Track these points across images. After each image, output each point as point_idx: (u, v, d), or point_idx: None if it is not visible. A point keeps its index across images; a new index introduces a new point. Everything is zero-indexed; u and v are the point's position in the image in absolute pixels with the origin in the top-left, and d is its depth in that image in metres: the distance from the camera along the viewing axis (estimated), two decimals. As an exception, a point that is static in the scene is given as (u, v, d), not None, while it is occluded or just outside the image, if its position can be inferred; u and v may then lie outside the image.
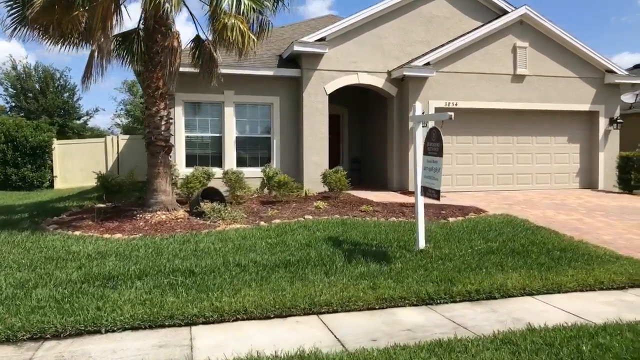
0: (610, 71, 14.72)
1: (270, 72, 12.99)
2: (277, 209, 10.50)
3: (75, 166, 20.44)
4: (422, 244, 7.35)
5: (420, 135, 7.43)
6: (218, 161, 13.03)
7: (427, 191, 7.07)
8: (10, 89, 35.98)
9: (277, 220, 9.32)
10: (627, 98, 24.65)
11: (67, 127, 36.17)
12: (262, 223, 9.14)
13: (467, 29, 13.90)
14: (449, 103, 13.56)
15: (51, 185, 19.88)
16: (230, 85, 12.90)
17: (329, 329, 4.90)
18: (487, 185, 14.23)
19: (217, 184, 11.97)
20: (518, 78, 14.14)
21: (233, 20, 8.83)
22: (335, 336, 4.71)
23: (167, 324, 4.90)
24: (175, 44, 8.61)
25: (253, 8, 9.02)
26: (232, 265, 6.47)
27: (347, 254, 7.01)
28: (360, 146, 16.74)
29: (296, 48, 12.68)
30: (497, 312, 5.39)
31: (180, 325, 4.92)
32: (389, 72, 13.53)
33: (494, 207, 11.57)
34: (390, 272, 6.29)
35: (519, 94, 14.13)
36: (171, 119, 9.74)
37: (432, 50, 13.34)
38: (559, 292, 6.02)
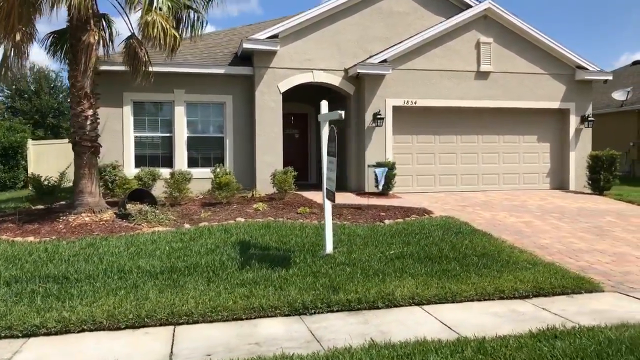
0: (581, 67, 14.16)
1: (221, 70, 12.70)
2: (215, 210, 10.20)
3: (51, 166, 20.31)
4: (329, 248, 6.99)
5: (325, 134, 7.05)
6: (169, 162, 12.78)
7: (330, 194, 6.69)
8: (5, 90, 36.33)
9: (205, 223, 9.02)
10: (619, 95, 24.00)
11: (62, 128, 36.40)
12: (186, 226, 8.85)
13: (429, 24, 13.45)
14: (407, 101, 13.14)
15: (25, 186, 19.81)
16: (180, 84, 12.65)
17: (173, 342, 4.58)
18: (451, 186, 13.76)
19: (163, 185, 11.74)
20: (482, 75, 13.65)
21: (155, 17, 8.54)
22: (171, 351, 4.38)
23: (2, 335, 4.62)
24: (92, 40, 8.35)
25: (169, 6, 8.72)
26: (115, 271, 6.18)
27: (247, 259, 6.68)
28: (328, 146, 16.33)
29: (246, 45, 12.37)
30: (369, 323, 5.02)
31: (17, 337, 4.63)
32: (345, 70, 13.15)
33: (446, 208, 11.14)
34: (277, 279, 5.94)
35: (483, 91, 13.64)
36: (98, 118, 9.49)
37: (389, 47, 12.92)
38: (452, 302, 5.63)
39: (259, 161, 12.69)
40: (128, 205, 9.47)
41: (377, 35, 13.41)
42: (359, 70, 12.58)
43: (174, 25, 9.56)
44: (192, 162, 12.91)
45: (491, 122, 14.01)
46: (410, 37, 13.03)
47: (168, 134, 12.82)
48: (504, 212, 10.91)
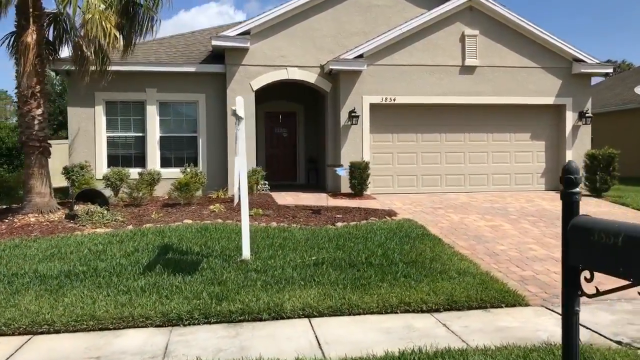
0: (579, 60, 13.19)
1: (192, 69, 12.48)
2: (170, 212, 9.96)
3: (56, 166, 20.70)
4: (245, 253, 6.60)
5: (242, 133, 6.65)
6: (141, 161, 12.66)
7: (235, 195, 6.28)
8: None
9: (149, 225, 8.77)
10: (640, 90, 22.54)
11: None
12: (129, 227, 8.63)
13: (412, 17, 12.81)
14: (386, 98, 12.55)
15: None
16: (152, 83, 12.51)
17: (14, 352, 4.30)
18: (434, 187, 13.08)
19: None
20: (467, 70, 12.91)
21: (94, 16, 8.35)
22: (2, 363, 4.10)
23: None
24: (29, 39, 8.24)
25: (110, 2, 8.50)
26: (8, 275, 5.97)
27: (155, 264, 6.36)
28: (317, 145, 15.93)
29: (215, 43, 12.10)
30: (238, 337, 4.61)
31: None
32: (321, 67, 12.69)
33: (416, 210, 10.55)
34: (168, 287, 5.59)
35: (469, 87, 12.90)
36: (46, 118, 9.39)
37: (365, 42, 12.37)
38: (348, 314, 5.15)
39: (230, 161, 12.38)
40: (78, 206, 9.34)
41: (355, 30, 12.89)
42: (331, 67, 12.10)
43: (125, 23, 9.38)
44: (165, 162, 12.74)
45: (479, 120, 13.23)
46: (389, 30, 12.44)
47: (140, 134, 12.69)
48: (476, 215, 10.23)
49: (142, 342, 4.51)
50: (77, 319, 4.81)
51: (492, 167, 13.35)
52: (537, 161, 13.57)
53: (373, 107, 12.63)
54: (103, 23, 8.38)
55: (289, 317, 5.05)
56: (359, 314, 5.17)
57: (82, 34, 8.62)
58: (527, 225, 9.32)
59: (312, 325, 4.87)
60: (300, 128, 16.11)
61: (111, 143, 12.62)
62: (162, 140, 12.77)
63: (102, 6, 8.34)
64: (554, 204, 11.48)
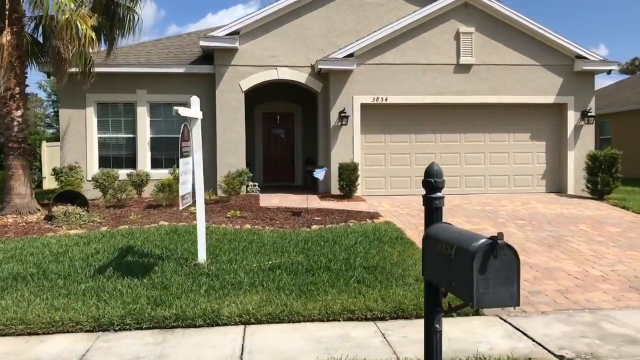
0: (581, 57, 12.66)
1: (182, 70, 12.43)
2: (151, 213, 9.92)
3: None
4: (201, 257, 6.46)
5: (197, 133, 6.51)
6: (132, 162, 12.67)
7: (183, 199, 6.14)
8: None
9: (125, 226, 8.73)
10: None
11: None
12: (103, 229, 8.60)
13: (404, 15, 12.49)
14: (377, 98, 12.28)
15: (39, 186, 20.59)
16: (142, 84, 12.51)
17: None
18: (429, 189, 12.69)
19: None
20: (463, 68, 12.52)
21: (72, 17, 8.35)
22: None
23: None
24: (4, 41, 8.27)
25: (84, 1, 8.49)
26: (-42, 276, 5.96)
27: (110, 267, 6.27)
28: (315, 146, 15.72)
29: (203, 43, 12.03)
30: (162, 344, 4.48)
31: None
32: (312, 67, 12.49)
33: (402, 213, 10.25)
34: (112, 291, 5.48)
35: (464, 86, 12.51)
36: (26, 120, 9.44)
37: (356, 41, 12.12)
38: (288, 322, 4.96)
39: (219, 162, 12.29)
40: (57, 207, 9.36)
41: (347, 28, 12.64)
42: (320, 66, 11.88)
43: (104, 23, 9.37)
44: (156, 163, 12.72)
45: (475, 120, 12.82)
46: (380, 29, 12.16)
47: (131, 135, 12.71)
48: (463, 218, 9.87)
49: (63, 348, 4.40)
50: (7, 323, 4.73)
51: (489, 169, 12.92)
52: (537, 162, 13.08)
53: (364, 107, 12.36)
54: (78, 24, 8.36)
55: (225, 324, 4.88)
56: (299, 321, 4.97)
57: (59, 36, 8.61)
58: (514, 230, 8.93)
59: (244, 333, 4.68)
60: (298, 129, 15.94)
61: (102, 144, 12.67)
62: (153, 141, 12.75)
63: (72, 5, 8.31)
64: (550, 207, 11.02)
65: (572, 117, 12.83)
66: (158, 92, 12.58)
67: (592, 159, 11.97)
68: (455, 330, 4.74)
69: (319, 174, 10.10)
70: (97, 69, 11.93)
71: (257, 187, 12.65)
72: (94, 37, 8.69)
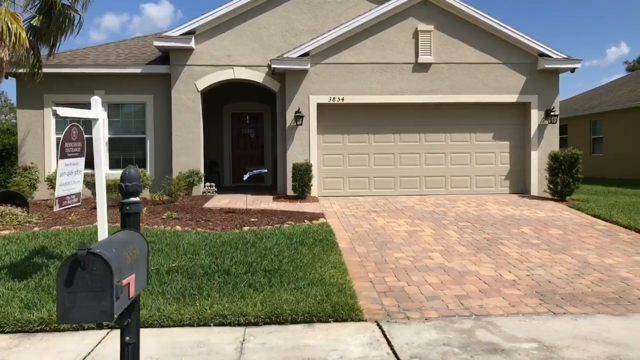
0: (544, 55, 12.37)
1: (138, 70, 12.41)
2: (94, 214, 9.86)
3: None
4: (102, 258, 6.35)
5: (98, 134, 6.43)
6: (90, 163, 12.62)
7: (64, 200, 6.06)
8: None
9: (59, 227, 8.71)
10: (649, 87, 21.17)
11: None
12: (35, 229, 8.58)
13: (363, 13, 12.32)
14: (334, 98, 12.12)
15: (20, 186, 20.76)
16: (100, 85, 12.50)
17: None
18: (388, 190, 12.54)
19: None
20: (422, 67, 12.31)
21: (1, 15, 8.34)
22: None
23: None
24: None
25: None
26: None
27: (5, 269, 6.22)
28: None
29: (157, 43, 12.00)
30: (12, 349, 4.37)
31: None
32: (269, 66, 12.37)
33: (347, 214, 10.12)
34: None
35: (423, 85, 12.30)
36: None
37: (311, 40, 11.98)
38: (158, 327, 4.87)
39: (175, 163, 12.26)
40: (-3, 207, 9.36)
41: (304, 28, 12.52)
42: (274, 66, 11.77)
43: (43, 22, 9.38)
44: (115, 164, 12.71)
45: (436, 120, 12.61)
46: (336, 27, 12.00)
47: (89, 136, 12.65)
48: (407, 219, 9.69)
49: None
50: None
51: (450, 169, 12.69)
52: (500, 163, 12.81)
53: (321, 107, 12.22)
54: (8, 23, 8.34)
55: (90, 328, 4.78)
56: (169, 326, 4.86)
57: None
58: (451, 232, 8.73)
59: (102, 339, 4.58)
60: (268, 129, 15.85)
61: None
62: (111, 141, 12.74)
63: (5, 4, 8.29)
64: (504, 208, 10.77)
65: (535, 116, 12.55)
66: (116, 92, 12.56)
67: (553, 159, 11.70)
68: (321, 337, 4.60)
69: (245, 176, 10.05)
70: (54, 70, 12.01)
71: (213, 187, 12.58)
72: (24, 35, 8.67)
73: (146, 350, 4.32)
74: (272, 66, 11.80)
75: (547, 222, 9.46)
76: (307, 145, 12.11)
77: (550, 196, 11.96)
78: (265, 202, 11.27)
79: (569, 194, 11.64)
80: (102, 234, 6.31)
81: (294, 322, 4.94)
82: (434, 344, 4.42)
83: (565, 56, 12.36)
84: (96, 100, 6.29)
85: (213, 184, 12.66)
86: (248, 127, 16.01)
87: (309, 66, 11.83)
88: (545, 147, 12.48)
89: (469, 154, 12.72)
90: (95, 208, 10.43)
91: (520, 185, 12.82)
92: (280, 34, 12.46)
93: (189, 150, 12.29)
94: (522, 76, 12.48)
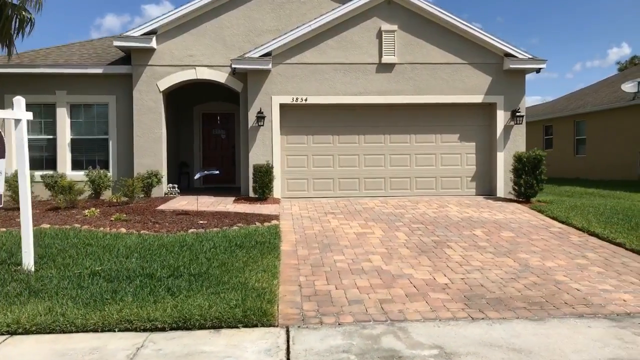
0: (510, 55, 12.27)
1: (99, 70, 12.29)
2: (45, 215, 9.77)
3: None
4: (25, 262, 6.26)
5: (20, 135, 6.32)
6: (53, 164, 12.55)
7: None
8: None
9: (3, 229, 8.59)
10: (629, 87, 21.16)
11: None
12: (-23, 231, 8.46)
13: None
14: (296, 98, 12.02)
15: None
16: (62, 85, 12.40)
17: None
18: (353, 191, 12.43)
19: (38, 188, 11.58)
20: (385, 67, 12.21)
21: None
22: None
23: None
24: None
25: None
26: None
27: None
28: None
29: (117, 43, 11.89)
30: None
31: None
32: (231, 66, 12.26)
33: (304, 215, 10.02)
34: None
35: (387, 86, 12.20)
36: None
37: (273, 40, 11.87)
38: (61, 332, 4.74)
39: (137, 164, 12.14)
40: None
41: (268, 27, 12.42)
42: (235, 66, 11.66)
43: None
44: (78, 165, 12.60)
45: (400, 120, 12.50)
46: (298, 27, 11.90)
47: (52, 136, 12.59)
48: (362, 221, 9.58)
49: None
50: None
51: (415, 171, 12.58)
52: (466, 164, 12.71)
53: (284, 107, 12.12)
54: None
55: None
56: (71, 332, 4.73)
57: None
58: (401, 234, 8.61)
59: (-3, 344, 4.46)
60: (239, 129, 15.68)
61: (22, 145, 12.54)
62: (74, 142, 12.64)
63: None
64: (465, 210, 10.65)
65: (501, 117, 12.45)
66: (78, 92, 12.46)
67: (518, 160, 11.59)
68: (222, 343, 4.48)
69: (196, 176, 9.96)
70: (14, 70, 11.93)
71: (176, 188, 12.47)
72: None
73: (37, 357, 4.21)
74: (233, 66, 11.69)
75: (502, 225, 9.35)
76: (270, 146, 12.00)
77: (515, 198, 11.86)
78: (224, 204, 11.16)
79: (533, 195, 11.53)
80: (27, 238, 6.21)
81: (202, 327, 4.83)
82: (334, 350, 4.30)
83: (530, 56, 12.26)
84: (19, 101, 6.19)
85: (176, 185, 12.55)
86: (219, 127, 15.90)
87: (270, 66, 11.72)
88: (511, 148, 12.38)
89: (435, 155, 12.62)
90: (51, 210, 10.35)
91: (486, 187, 12.71)
92: (243, 33, 12.36)
93: (150, 151, 12.17)
94: (488, 76, 12.38)
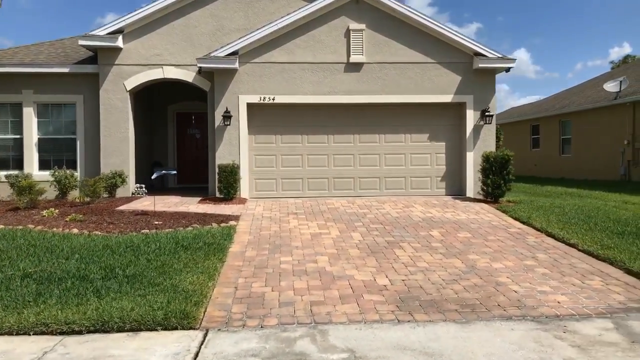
0: (479, 54, 12.21)
1: (66, 69, 12.21)
2: (1, 216, 9.69)
3: None
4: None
5: None
6: (20, 164, 12.47)
7: None
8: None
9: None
10: (611, 86, 21.13)
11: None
12: None
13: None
14: (264, 98, 11.94)
15: None
16: (28, 85, 12.33)
17: None
18: (322, 191, 12.36)
19: (3, 188, 11.51)
20: (353, 67, 12.13)
21: None
22: None
23: None
24: None
25: None
26: None
27: None
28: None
29: (82, 42, 11.82)
30: None
31: None
32: (197, 65, 12.18)
33: (266, 216, 9.95)
34: None
35: (355, 85, 12.12)
36: None
37: (239, 38, 11.79)
38: (-29, 336, 4.65)
39: (104, 164, 12.07)
40: None
41: (236, 26, 12.34)
42: (200, 65, 11.59)
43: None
44: (45, 165, 12.51)
45: (369, 120, 12.43)
46: (264, 26, 11.82)
47: (18, 136, 12.51)
48: (320, 221, 9.51)
49: None
50: None
51: (384, 171, 12.51)
52: (436, 164, 12.64)
53: (252, 107, 12.05)
54: None
55: None
56: (-15, 335, 4.66)
57: None
58: (357, 234, 8.55)
59: None
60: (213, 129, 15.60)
61: (-12, 145, 12.51)
62: (41, 142, 12.56)
63: None
64: (429, 210, 10.58)
65: (471, 116, 12.38)
66: (45, 92, 12.39)
67: (485, 160, 11.52)
68: (133, 347, 4.42)
69: (155, 175, 9.88)
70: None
71: (143, 189, 12.39)
72: None
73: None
74: (199, 65, 11.62)
75: (462, 225, 9.29)
76: (237, 146, 11.93)
77: (483, 198, 11.79)
78: (188, 204, 11.09)
79: (501, 195, 11.46)
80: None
81: (121, 330, 4.76)
82: (243, 354, 4.24)
83: (500, 55, 12.20)
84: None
85: (143, 186, 12.47)
86: (193, 127, 15.82)
87: (237, 65, 11.65)
88: (481, 148, 12.31)
89: (404, 155, 12.55)
90: (11, 210, 10.26)
91: (456, 187, 12.65)
92: (210, 32, 12.28)
93: (117, 151, 12.10)
94: (458, 76, 12.31)
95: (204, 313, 5.17)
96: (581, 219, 9.40)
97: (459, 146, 12.61)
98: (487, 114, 12.23)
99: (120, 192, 11.90)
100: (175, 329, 4.81)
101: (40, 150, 12.52)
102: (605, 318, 5.10)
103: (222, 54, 11.60)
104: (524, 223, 9.43)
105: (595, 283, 6.21)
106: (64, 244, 7.33)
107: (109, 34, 11.79)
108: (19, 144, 12.54)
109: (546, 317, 5.12)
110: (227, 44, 11.75)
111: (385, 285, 6.10)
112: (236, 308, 5.37)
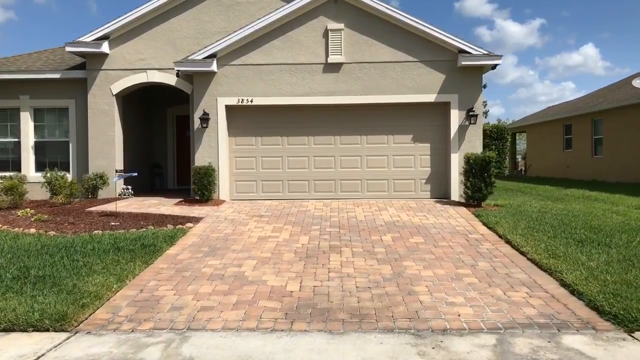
0: (464, 52, 11.71)
1: (57, 75, 12.72)
2: (-16, 215, 10.21)
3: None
4: None
5: None
6: (18, 166, 13.11)
7: None
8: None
9: None
10: (639, 82, 19.70)
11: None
12: None
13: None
14: (242, 100, 11.97)
15: None
16: (25, 90, 12.93)
17: None
18: (302, 193, 12.24)
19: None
20: (332, 67, 11.94)
21: None
22: None
23: None
24: None
25: None
26: None
27: None
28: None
29: (69, 49, 12.26)
30: None
31: None
32: (175, 69, 12.37)
33: (235, 218, 10.02)
34: None
35: (334, 86, 11.93)
36: None
37: (216, 42, 11.86)
38: None
39: (91, 165, 12.49)
40: None
41: (217, 29, 12.44)
42: (177, 68, 11.76)
43: None
44: (41, 166, 13.09)
45: (350, 121, 12.19)
46: (241, 28, 11.84)
47: (16, 139, 13.16)
48: (279, 224, 9.42)
49: None
50: None
51: (366, 173, 12.24)
52: (420, 166, 12.22)
53: (231, 109, 12.10)
54: None
55: None
56: None
57: None
58: (305, 238, 8.40)
59: None
60: (211, 131, 15.80)
61: (-12, 148, 13.22)
62: (37, 145, 13.14)
63: None
64: (399, 214, 10.25)
65: (456, 116, 11.89)
66: (40, 97, 12.96)
67: (466, 161, 11.04)
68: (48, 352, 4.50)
69: (115, 179, 10.06)
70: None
71: (129, 190, 12.72)
72: None
73: None
74: (176, 69, 11.79)
75: (421, 230, 8.93)
76: (216, 148, 12.01)
77: (464, 201, 11.30)
78: (163, 206, 11.27)
79: (482, 198, 10.94)
80: None
81: (10, 330, 4.86)
82: (84, 358, 4.22)
83: (485, 52, 11.65)
84: None
85: (129, 187, 12.79)
86: (185, 129, 16.04)
87: (215, 67, 11.73)
88: (466, 149, 11.80)
89: (387, 157, 12.22)
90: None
91: (442, 190, 12.19)
92: (192, 36, 12.44)
93: (103, 153, 12.48)
94: (441, 74, 11.86)
95: (90, 315, 5.21)
96: (553, 226, 8.82)
97: (444, 147, 12.15)
98: (471, 113, 11.71)
99: (103, 194, 12.26)
100: (47, 330, 4.86)
101: (36, 153, 13.12)
102: (494, 334, 4.74)
103: (200, 57, 11.72)
104: (489, 229, 8.95)
105: (518, 295, 5.79)
106: (7, 244, 7.60)
107: (95, 40, 12.18)
108: (17, 147, 13.17)
109: (431, 331, 4.81)
110: (205, 47, 11.86)
111: (291, 292, 5.94)
112: (125, 311, 5.37)
